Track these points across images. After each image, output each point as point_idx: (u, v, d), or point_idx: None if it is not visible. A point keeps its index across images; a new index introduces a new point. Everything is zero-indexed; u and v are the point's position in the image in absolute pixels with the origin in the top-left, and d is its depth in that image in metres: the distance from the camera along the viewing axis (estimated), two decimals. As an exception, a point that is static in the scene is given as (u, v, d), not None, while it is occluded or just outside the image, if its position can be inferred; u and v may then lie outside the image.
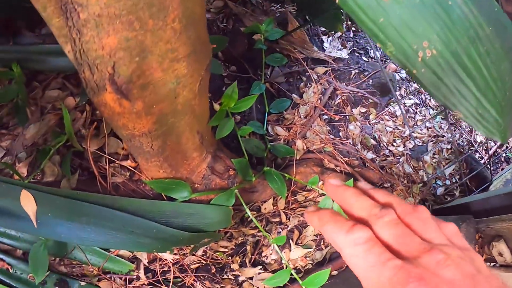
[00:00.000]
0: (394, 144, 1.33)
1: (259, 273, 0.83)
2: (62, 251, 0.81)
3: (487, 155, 1.53)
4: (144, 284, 0.79)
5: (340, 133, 1.21)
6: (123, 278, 0.79)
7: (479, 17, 0.42)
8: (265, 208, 0.89)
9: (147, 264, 0.79)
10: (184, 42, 0.45)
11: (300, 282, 0.69)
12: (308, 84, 1.22)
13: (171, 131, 0.56)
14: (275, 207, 0.91)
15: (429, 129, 1.49)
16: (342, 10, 1.11)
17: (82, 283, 0.80)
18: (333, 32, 1.48)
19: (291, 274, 0.71)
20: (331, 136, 1.16)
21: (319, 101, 1.18)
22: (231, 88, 0.70)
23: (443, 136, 1.46)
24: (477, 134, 1.60)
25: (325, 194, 0.84)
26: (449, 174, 1.37)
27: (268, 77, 1.18)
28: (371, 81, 1.39)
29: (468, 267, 0.26)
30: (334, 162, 1.06)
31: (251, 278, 0.83)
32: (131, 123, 0.51)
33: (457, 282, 0.25)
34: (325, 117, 1.20)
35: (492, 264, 0.93)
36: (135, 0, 0.37)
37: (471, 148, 1.52)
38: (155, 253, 0.79)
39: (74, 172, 0.79)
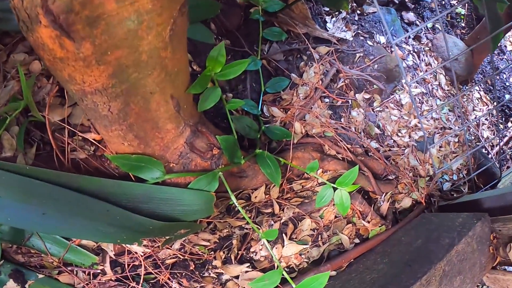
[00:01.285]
0: (399, 134, 1.23)
1: (246, 272, 0.72)
2: (18, 238, 0.71)
3: (494, 151, 1.44)
4: (111, 279, 0.68)
5: (342, 119, 1.10)
6: (86, 272, 0.68)
7: None
8: (255, 197, 0.78)
9: (114, 257, 0.68)
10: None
11: (294, 286, 0.58)
12: (309, 64, 1.10)
13: (135, 90, 0.44)
14: (267, 196, 0.80)
15: (436, 121, 1.39)
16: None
17: (40, 276, 0.70)
18: (337, 12, 1.37)
19: (283, 275, 0.60)
20: (333, 121, 1.05)
21: (320, 82, 1.07)
22: (217, 49, 0.58)
23: (450, 128, 1.36)
24: (483, 130, 1.50)
25: (325, 183, 0.72)
26: (456, 169, 1.27)
27: (265, 53, 1.07)
28: (376, 66, 1.28)
29: None
30: (335, 148, 0.94)
31: (237, 277, 0.72)
32: (79, 74, 0.39)
33: None
34: (327, 100, 1.08)
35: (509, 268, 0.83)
36: None
37: (478, 143, 1.42)
38: (122, 245, 0.68)
39: (32, 146, 0.68)
